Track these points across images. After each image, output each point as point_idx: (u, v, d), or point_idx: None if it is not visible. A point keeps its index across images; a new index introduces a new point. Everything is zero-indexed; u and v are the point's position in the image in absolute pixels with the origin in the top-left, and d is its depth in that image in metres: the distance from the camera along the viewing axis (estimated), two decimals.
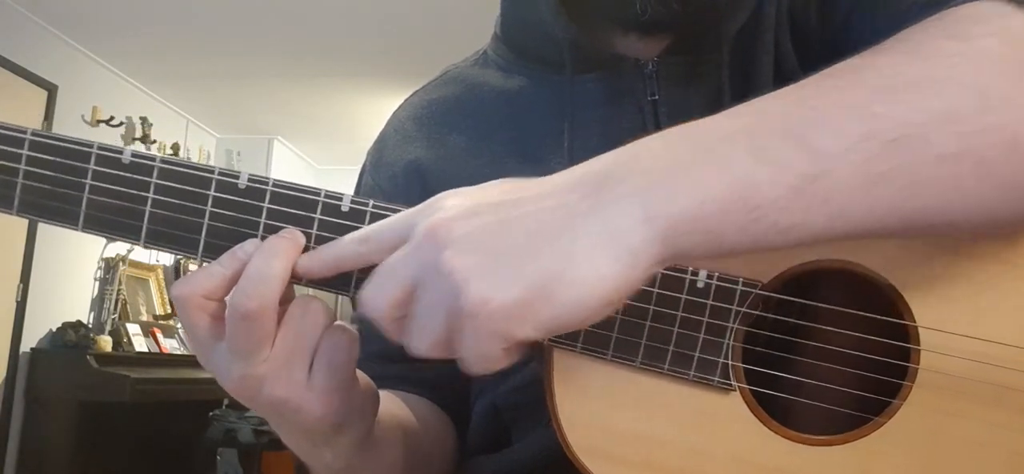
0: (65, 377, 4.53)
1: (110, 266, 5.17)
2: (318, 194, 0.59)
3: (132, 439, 4.78)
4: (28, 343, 4.63)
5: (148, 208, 0.58)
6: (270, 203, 0.58)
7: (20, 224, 4.38)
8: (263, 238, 0.58)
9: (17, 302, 4.54)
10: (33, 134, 0.59)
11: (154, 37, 4.77)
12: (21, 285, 4.55)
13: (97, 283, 5.17)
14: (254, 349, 0.55)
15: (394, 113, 0.90)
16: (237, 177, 0.59)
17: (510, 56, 0.83)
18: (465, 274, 0.47)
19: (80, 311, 5.00)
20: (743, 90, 0.74)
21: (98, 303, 5.16)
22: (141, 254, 5.36)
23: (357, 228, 0.58)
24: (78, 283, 5.04)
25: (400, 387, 0.84)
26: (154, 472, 4.95)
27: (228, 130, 6.45)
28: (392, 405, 0.78)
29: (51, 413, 4.52)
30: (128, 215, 0.58)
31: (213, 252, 0.58)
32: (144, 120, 5.30)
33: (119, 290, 5.13)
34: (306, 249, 0.58)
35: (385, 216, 0.58)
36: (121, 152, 0.58)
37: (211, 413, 4.75)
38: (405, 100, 0.90)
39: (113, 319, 5.10)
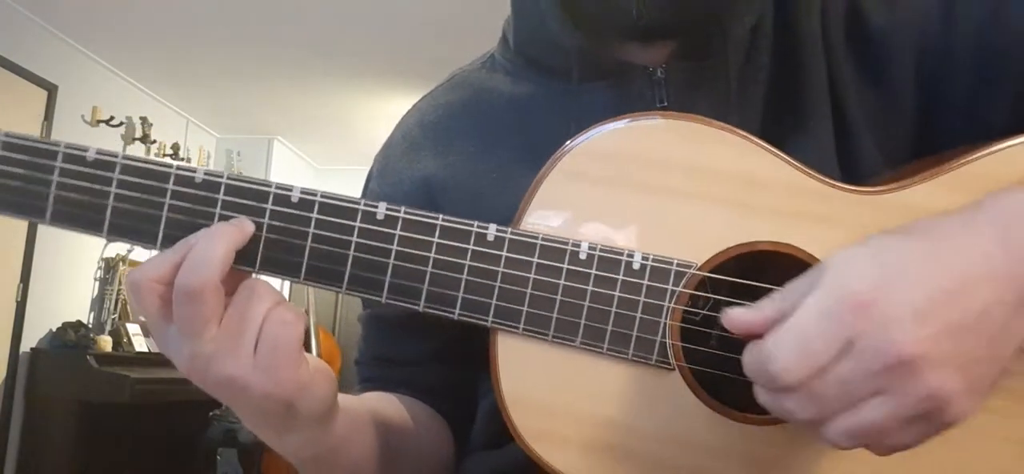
0: (65, 377, 4.53)
1: (110, 266, 5.19)
2: (269, 186, 0.61)
3: (132, 439, 4.78)
4: (28, 343, 4.65)
5: (111, 202, 0.62)
6: (225, 195, 0.61)
7: (20, 224, 4.40)
8: None
9: (17, 302, 4.56)
10: (5, 136, 0.63)
11: (154, 37, 4.79)
12: (21, 285, 4.57)
13: (97, 283, 5.19)
14: (200, 327, 0.58)
15: (402, 118, 0.90)
16: (194, 172, 0.62)
17: (519, 62, 0.84)
18: (950, 393, 0.50)
19: (80, 311, 5.02)
20: (794, 102, 0.75)
21: (98, 303, 5.19)
22: (141, 254, 5.38)
23: (308, 217, 0.61)
24: (78, 283, 5.06)
25: (400, 391, 0.85)
26: (154, 472, 4.95)
27: (228, 130, 6.47)
28: (376, 403, 0.80)
29: (51, 413, 4.52)
30: (92, 209, 0.63)
31: (171, 243, 0.62)
32: (144, 120, 5.32)
33: (119, 290, 5.15)
34: (255, 237, 0.61)
35: (333, 203, 0.62)
36: (86, 150, 0.62)
37: (211, 413, 4.76)
38: (413, 106, 0.90)
39: (113, 319, 5.12)
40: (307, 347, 5.24)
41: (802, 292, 0.53)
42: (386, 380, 0.86)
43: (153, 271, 0.59)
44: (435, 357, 0.84)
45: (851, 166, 0.72)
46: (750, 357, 0.55)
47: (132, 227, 0.62)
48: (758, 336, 0.55)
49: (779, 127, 0.74)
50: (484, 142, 0.82)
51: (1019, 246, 0.53)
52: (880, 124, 0.74)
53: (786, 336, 0.52)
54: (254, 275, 0.62)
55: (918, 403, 0.50)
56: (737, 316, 0.56)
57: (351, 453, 0.72)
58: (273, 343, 0.59)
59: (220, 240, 0.59)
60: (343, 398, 0.69)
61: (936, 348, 0.50)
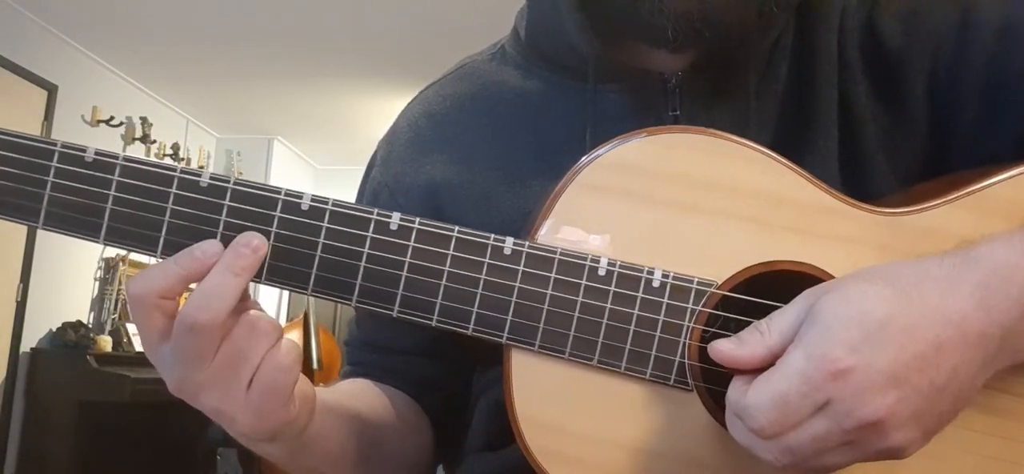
0: (65, 377, 4.53)
1: (110, 266, 5.18)
2: (278, 192, 0.59)
3: (132, 439, 4.78)
4: (28, 343, 4.64)
5: (109, 205, 0.59)
6: (231, 201, 0.59)
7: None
8: (222, 237, 0.58)
9: (17, 302, 4.55)
10: None
11: (154, 37, 4.78)
12: (21, 285, 4.56)
13: (97, 283, 5.18)
14: (196, 358, 0.57)
15: (408, 106, 0.89)
16: (199, 176, 0.59)
17: (531, 56, 0.82)
18: (906, 445, 0.55)
19: (80, 311, 5.01)
20: (804, 118, 0.74)
21: (98, 303, 5.17)
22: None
23: (318, 226, 0.59)
24: (78, 283, 5.05)
25: (384, 379, 0.84)
26: (154, 472, 4.95)
27: (228, 130, 6.46)
28: (355, 402, 0.79)
29: (51, 413, 4.52)
30: (89, 213, 0.59)
31: (173, 250, 0.59)
32: (144, 120, 5.31)
33: (119, 290, 5.14)
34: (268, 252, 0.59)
35: (344, 212, 0.59)
36: (85, 150, 0.59)
37: None
38: (419, 94, 0.89)
39: (113, 319, 5.11)
40: (305, 350, 5.24)
41: (787, 330, 0.56)
42: (374, 367, 0.85)
43: (158, 285, 0.57)
44: (427, 350, 0.83)
45: (860, 185, 0.71)
46: (733, 396, 0.57)
47: (131, 233, 0.59)
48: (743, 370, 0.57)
49: (788, 142, 0.73)
50: (493, 138, 0.80)
51: (997, 308, 0.55)
52: (893, 143, 0.73)
53: (766, 393, 0.54)
54: (257, 290, 0.60)
55: (879, 453, 0.55)
56: (724, 351, 0.57)
57: (323, 447, 0.72)
58: (267, 388, 0.58)
59: (237, 276, 0.57)
60: (322, 393, 0.68)
61: (904, 410, 0.53)
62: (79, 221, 0.59)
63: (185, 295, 0.57)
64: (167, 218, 0.59)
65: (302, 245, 0.60)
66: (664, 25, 0.68)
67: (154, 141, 5.40)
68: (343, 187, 6.70)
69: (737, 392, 0.56)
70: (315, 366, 5.37)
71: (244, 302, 0.59)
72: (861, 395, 0.52)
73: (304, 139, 6.73)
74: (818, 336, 0.53)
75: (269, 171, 6.54)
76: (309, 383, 0.64)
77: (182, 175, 0.59)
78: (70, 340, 4.69)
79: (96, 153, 0.59)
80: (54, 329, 4.77)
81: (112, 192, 0.59)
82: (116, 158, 0.59)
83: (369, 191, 0.87)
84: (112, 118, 5.09)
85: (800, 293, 0.59)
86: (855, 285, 0.55)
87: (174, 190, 0.59)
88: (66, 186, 0.59)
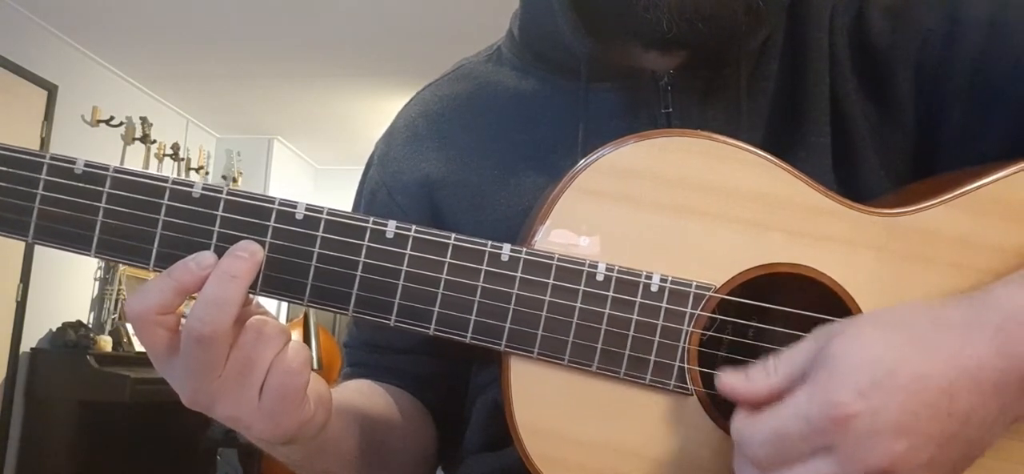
0: (65, 377, 4.54)
1: (110, 266, 5.18)
2: (272, 202, 0.58)
3: (132, 439, 4.79)
4: (28, 343, 4.64)
5: (100, 218, 0.58)
6: (224, 211, 0.58)
7: None
8: (216, 248, 0.58)
9: (17, 302, 4.55)
10: None
11: (154, 37, 4.78)
12: (21, 285, 4.56)
13: (97, 283, 5.18)
14: (206, 370, 0.56)
15: (405, 106, 0.89)
16: (191, 186, 0.58)
17: (525, 56, 0.83)
18: None
19: (80, 311, 5.01)
20: (796, 115, 0.74)
21: (98, 303, 5.17)
22: None
23: (313, 235, 0.58)
24: (78, 283, 5.05)
25: (385, 378, 0.85)
26: (154, 472, 4.95)
27: (228, 130, 6.45)
28: (362, 399, 0.79)
29: (51, 413, 4.53)
30: (80, 226, 0.58)
31: (166, 262, 0.58)
32: (144, 120, 5.31)
33: (119, 290, 5.14)
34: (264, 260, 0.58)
35: (339, 221, 0.59)
36: (74, 162, 0.58)
37: None
38: (416, 94, 0.89)
39: (113, 319, 5.11)
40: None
41: (793, 371, 0.54)
42: (374, 367, 0.86)
43: (154, 302, 0.56)
44: (426, 348, 0.83)
45: (852, 182, 0.71)
46: (736, 423, 0.56)
47: (123, 245, 0.58)
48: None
49: (780, 139, 0.73)
50: (487, 136, 0.81)
51: (1016, 354, 0.53)
52: (883, 140, 0.73)
53: (765, 427, 0.54)
54: (257, 300, 0.60)
55: None
56: (729, 384, 0.56)
57: (338, 449, 0.72)
58: (279, 392, 0.58)
59: (235, 281, 0.56)
60: (333, 397, 0.68)
61: (915, 458, 0.51)
62: (69, 234, 0.58)
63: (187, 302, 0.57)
64: (159, 230, 0.58)
65: (297, 255, 0.59)
66: (659, 20, 0.68)
67: (154, 141, 5.40)
68: (343, 187, 6.69)
69: (740, 420, 0.56)
70: (315, 366, 5.36)
71: (248, 307, 0.58)
72: (868, 443, 0.51)
73: (304, 139, 6.73)
74: (825, 379, 0.52)
75: (269, 171, 6.54)
76: (323, 382, 0.63)
77: (174, 186, 0.58)
78: (70, 340, 4.69)
79: (86, 164, 0.58)
80: (54, 329, 4.77)
81: (103, 204, 0.58)
82: (106, 169, 0.58)
83: (367, 191, 0.87)
84: (112, 118, 5.09)
85: (798, 295, 0.58)
86: (867, 329, 0.54)
87: (166, 201, 0.58)
88: (55, 199, 0.58)
